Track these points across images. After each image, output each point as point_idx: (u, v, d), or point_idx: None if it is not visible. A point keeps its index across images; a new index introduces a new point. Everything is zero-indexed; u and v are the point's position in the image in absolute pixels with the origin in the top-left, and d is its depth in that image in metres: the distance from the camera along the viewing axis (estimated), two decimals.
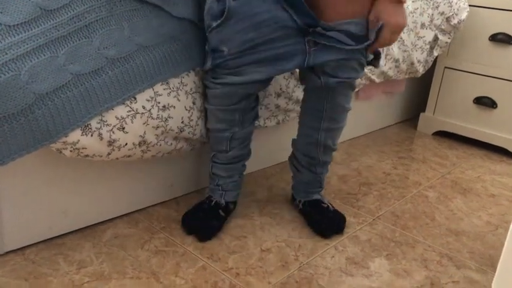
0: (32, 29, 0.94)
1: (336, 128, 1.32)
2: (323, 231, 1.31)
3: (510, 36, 1.98)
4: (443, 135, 2.29)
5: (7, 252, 1.13)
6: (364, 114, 2.12)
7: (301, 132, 1.37)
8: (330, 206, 1.37)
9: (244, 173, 1.37)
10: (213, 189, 1.33)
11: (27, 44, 0.92)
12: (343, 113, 1.30)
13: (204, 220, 1.27)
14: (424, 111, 2.34)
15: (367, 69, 1.78)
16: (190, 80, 1.21)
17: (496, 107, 2.07)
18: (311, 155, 1.35)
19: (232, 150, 1.28)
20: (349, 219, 1.41)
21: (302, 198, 1.40)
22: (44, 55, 0.95)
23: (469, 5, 2.06)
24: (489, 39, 2.05)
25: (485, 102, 2.10)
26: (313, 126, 1.31)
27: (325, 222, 1.32)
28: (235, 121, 1.24)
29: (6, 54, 0.90)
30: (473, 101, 2.14)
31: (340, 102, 1.27)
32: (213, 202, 1.31)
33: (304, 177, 1.39)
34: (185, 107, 1.20)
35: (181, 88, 1.19)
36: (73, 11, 0.99)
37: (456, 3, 2.01)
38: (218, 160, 1.31)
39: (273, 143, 1.72)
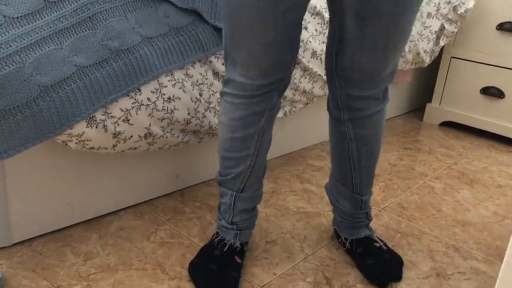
0: (35, 21, 0.93)
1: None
2: (380, 279, 1.09)
3: None
4: (449, 125, 2.27)
5: (14, 244, 1.14)
6: None
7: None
8: (382, 244, 1.16)
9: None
10: (225, 228, 1.10)
11: (31, 36, 0.92)
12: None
13: (220, 273, 1.04)
14: (430, 101, 2.33)
15: None
16: (196, 71, 1.20)
17: (504, 97, 2.06)
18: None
19: (258, 158, 1.05)
20: None
21: (348, 236, 1.18)
22: (48, 47, 0.94)
23: None
24: (496, 28, 2.02)
25: (493, 92, 2.08)
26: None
27: (380, 268, 1.11)
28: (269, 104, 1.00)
29: (10, 46, 0.89)
30: (480, 91, 2.12)
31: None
32: (226, 247, 1.08)
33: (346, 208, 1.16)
34: (191, 98, 1.20)
35: (186, 79, 1.18)
36: (76, 2, 0.99)
37: None
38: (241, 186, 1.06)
39: (280, 134, 1.71)
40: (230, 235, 1.09)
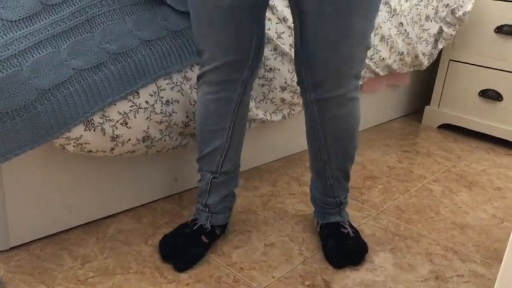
0: (33, 24, 0.93)
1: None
2: (335, 260, 1.16)
3: None
4: (448, 128, 2.28)
5: (12, 248, 1.13)
6: (368, 108, 2.11)
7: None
8: (351, 231, 1.20)
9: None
10: (199, 210, 1.18)
11: (29, 39, 0.92)
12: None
13: (182, 248, 1.12)
14: (428, 104, 2.33)
15: (372, 62, 1.77)
16: (194, 74, 1.20)
17: (502, 99, 2.06)
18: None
19: (231, 147, 1.12)
20: (354, 213, 1.41)
21: (319, 221, 1.25)
22: (46, 50, 0.94)
23: None
24: (494, 31, 2.03)
25: (491, 95, 2.08)
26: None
27: (339, 250, 1.17)
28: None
29: (8, 49, 0.89)
30: (479, 94, 2.12)
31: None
32: (196, 226, 1.16)
33: (318, 187, 1.22)
34: (189, 101, 1.20)
35: (185, 83, 1.18)
36: (74, 5, 0.99)
37: None
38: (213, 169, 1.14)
39: (278, 137, 1.71)
40: (202, 217, 1.17)
